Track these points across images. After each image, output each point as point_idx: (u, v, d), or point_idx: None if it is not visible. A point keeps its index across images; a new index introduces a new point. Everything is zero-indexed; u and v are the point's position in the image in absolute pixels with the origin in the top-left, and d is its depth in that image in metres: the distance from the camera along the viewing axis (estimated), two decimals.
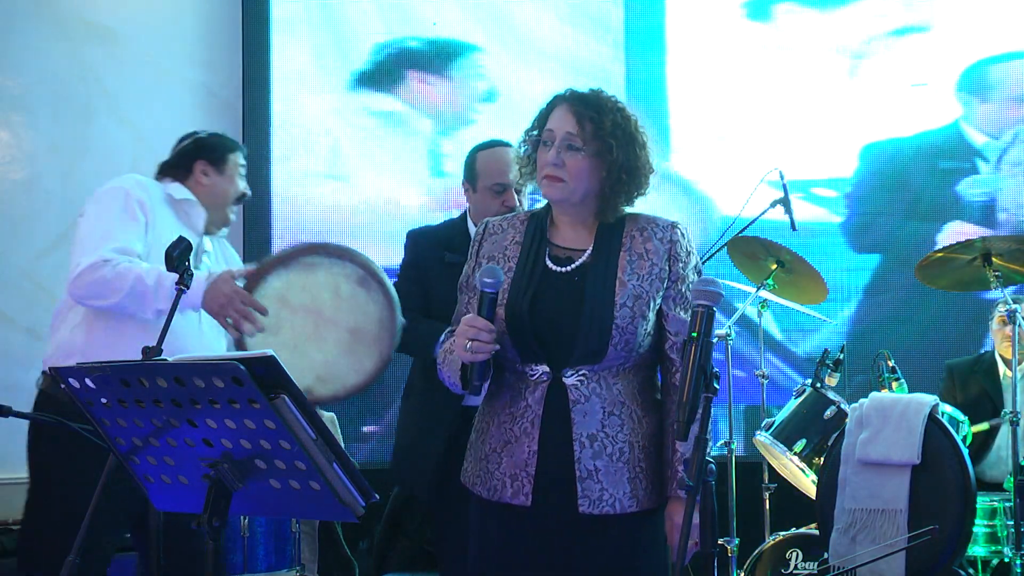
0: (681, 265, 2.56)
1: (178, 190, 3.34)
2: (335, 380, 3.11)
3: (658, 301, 2.54)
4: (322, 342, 3.11)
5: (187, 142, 3.44)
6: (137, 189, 3.24)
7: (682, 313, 2.54)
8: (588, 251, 2.57)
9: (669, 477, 2.53)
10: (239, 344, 3.08)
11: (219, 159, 3.39)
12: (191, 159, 3.38)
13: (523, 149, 2.62)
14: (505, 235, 2.65)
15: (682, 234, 2.59)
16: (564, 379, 2.51)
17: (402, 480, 3.55)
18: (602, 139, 2.52)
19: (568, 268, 2.56)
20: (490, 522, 2.59)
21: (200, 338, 3.23)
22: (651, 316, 2.53)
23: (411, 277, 3.55)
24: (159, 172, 3.42)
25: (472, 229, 3.33)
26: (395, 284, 3.27)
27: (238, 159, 3.43)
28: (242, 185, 3.43)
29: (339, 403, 3.25)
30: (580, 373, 2.51)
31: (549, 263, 2.57)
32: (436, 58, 5.75)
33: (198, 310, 3.11)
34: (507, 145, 3.46)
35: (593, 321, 2.49)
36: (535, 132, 2.59)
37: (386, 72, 5.76)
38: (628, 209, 2.62)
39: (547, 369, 2.52)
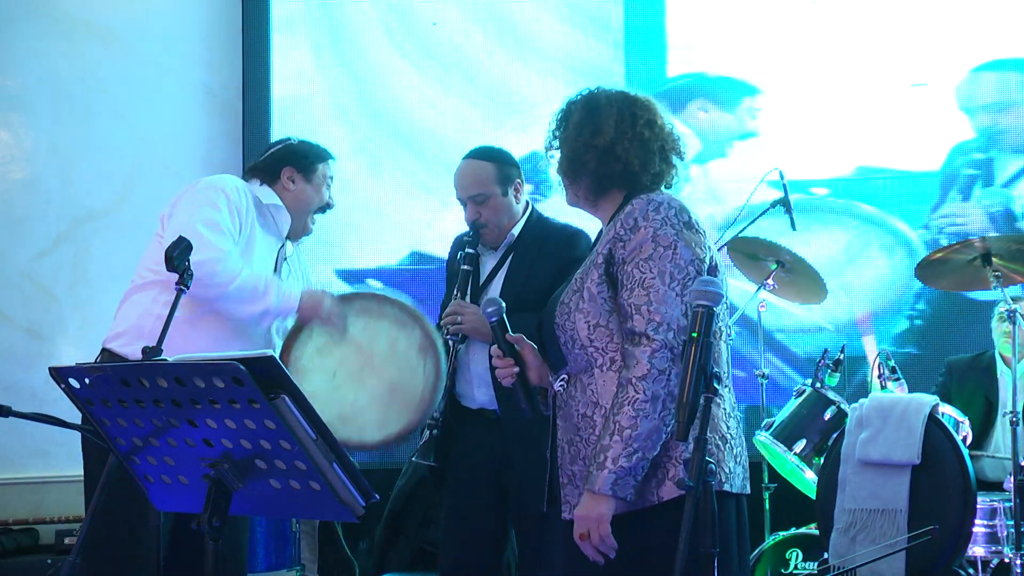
0: (622, 245, 2.38)
1: (266, 194, 3.35)
2: (354, 426, 3.12)
3: (596, 289, 2.40)
4: (360, 385, 3.14)
5: (279, 147, 3.45)
6: (235, 193, 3.24)
7: (626, 296, 2.36)
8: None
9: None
10: (290, 339, 3.16)
11: (308, 167, 3.39)
12: (280, 164, 3.39)
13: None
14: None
15: (632, 208, 2.39)
16: (555, 386, 2.52)
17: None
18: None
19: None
20: (541, 526, 2.68)
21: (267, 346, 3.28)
22: (591, 307, 2.40)
23: (446, 279, 3.60)
24: (247, 172, 3.44)
25: None
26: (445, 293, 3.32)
27: (327, 169, 3.43)
28: (327, 195, 3.43)
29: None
30: (561, 379, 2.50)
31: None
32: None
33: (289, 315, 3.19)
34: (469, 157, 3.45)
35: (545, 325, 2.50)
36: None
37: None
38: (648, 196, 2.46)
39: (557, 378, 2.53)
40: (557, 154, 2.55)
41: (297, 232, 3.42)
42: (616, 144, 2.47)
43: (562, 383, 2.49)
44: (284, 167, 3.38)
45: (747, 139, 5.63)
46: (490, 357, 2.59)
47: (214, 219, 3.13)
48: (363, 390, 3.12)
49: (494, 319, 2.48)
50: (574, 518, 2.38)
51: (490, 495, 3.36)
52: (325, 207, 3.44)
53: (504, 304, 2.52)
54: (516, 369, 2.47)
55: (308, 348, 3.14)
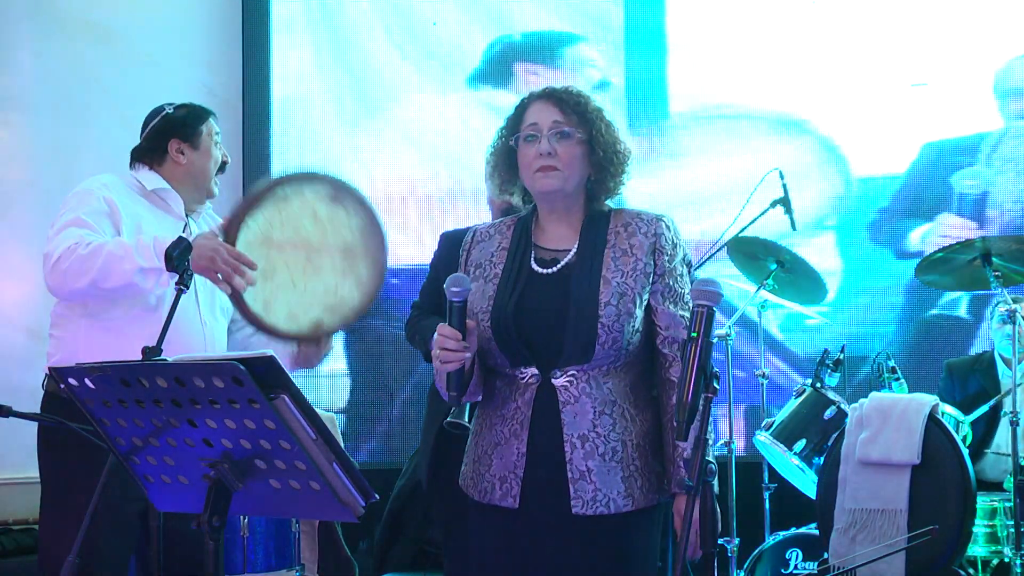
0: (667, 258, 2.54)
1: (149, 179, 3.23)
2: (343, 305, 3.06)
3: (644, 297, 2.52)
4: (319, 271, 3.04)
5: (156, 120, 3.31)
6: (101, 189, 3.14)
7: (671, 307, 2.53)
8: (573, 250, 2.56)
9: (671, 473, 2.50)
10: (236, 300, 2.98)
11: (192, 133, 3.26)
12: (164, 139, 3.26)
13: (492, 158, 2.62)
14: (492, 241, 2.65)
15: (667, 226, 2.57)
16: (553, 380, 2.50)
17: (419, 474, 3.60)
18: (589, 123, 2.53)
19: (553, 269, 2.56)
20: (483, 524, 2.59)
21: (203, 338, 3.21)
22: (638, 313, 2.51)
23: (431, 277, 3.58)
24: (132, 159, 3.32)
25: None
26: (423, 285, 3.26)
27: (212, 127, 3.29)
28: (218, 154, 3.29)
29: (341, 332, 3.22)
30: (569, 374, 2.49)
31: (534, 266, 2.57)
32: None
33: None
34: None
35: (579, 321, 2.47)
36: (514, 134, 2.58)
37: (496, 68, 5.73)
38: (614, 205, 2.62)
39: (536, 372, 2.51)
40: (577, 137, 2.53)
41: (201, 201, 3.29)
42: (625, 155, 2.59)
43: (570, 378, 2.49)
44: (169, 141, 3.25)
45: (748, 139, 5.63)
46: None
47: (79, 220, 3.04)
48: (324, 272, 3.04)
49: (459, 300, 2.42)
50: (686, 521, 2.31)
51: None
52: (223, 166, 3.31)
53: (471, 287, 2.50)
54: (468, 355, 2.44)
55: (253, 287, 3.06)
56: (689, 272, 2.61)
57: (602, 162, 2.54)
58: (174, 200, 3.24)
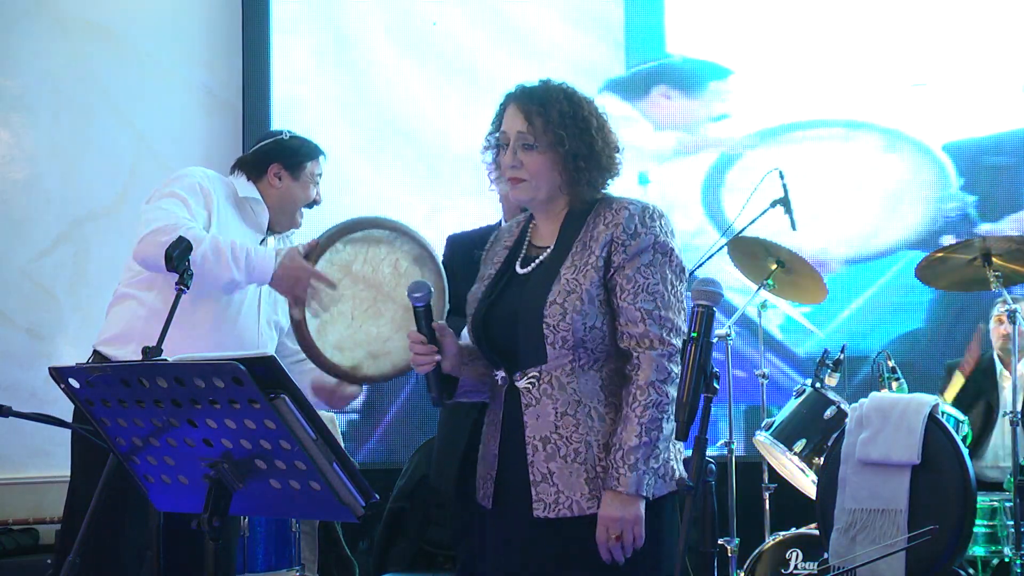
0: (623, 250, 2.43)
1: (244, 187, 3.31)
2: (386, 358, 3.11)
3: (597, 292, 2.44)
4: (379, 317, 3.11)
5: (269, 141, 3.40)
6: (204, 180, 3.22)
7: (629, 300, 2.41)
8: (550, 248, 2.54)
9: (608, 470, 2.40)
10: (298, 324, 3.07)
11: (295, 165, 3.36)
12: (268, 160, 3.34)
13: (489, 154, 2.61)
14: (501, 239, 2.67)
15: (632, 215, 2.45)
16: (516, 383, 2.49)
17: (435, 481, 3.61)
18: (553, 131, 2.48)
19: (530, 268, 2.54)
20: (473, 523, 2.62)
21: (258, 338, 3.25)
22: (588, 309, 2.42)
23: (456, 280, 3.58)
24: (235, 165, 3.41)
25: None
26: None
27: (316, 167, 3.40)
28: (314, 192, 3.40)
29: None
30: (530, 376, 2.47)
31: (517, 266, 2.57)
32: None
33: (263, 285, 3.13)
34: None
35: (526, 322, 2.46)
36: (496, 135, 2.59)
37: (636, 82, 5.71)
38: (607, 193, 2.55)
39: (504, 374, 2.52)
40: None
41: (283, 226, 3.38)
42: (607, 148, 2.53)
43: (532, 380, 2.47)
44: (272, 163, 3.34)
45: (748, 139, 5.63)
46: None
47: (176, 193, 3.12)
48: (383, 320, 3.10)
49: (420, 304, 2.46)
50: (601, 518, 2.38)
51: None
52: (312, 204, 3.41)
53: (432, 289, 2.52)
54: (437, 358, 2.46)
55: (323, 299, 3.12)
56: (671, 263, 2.47)
57: (574, 166, 2.48)
58: (261, 212, 3.32)
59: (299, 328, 3.07)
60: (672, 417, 2.35)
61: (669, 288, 2.44)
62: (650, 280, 2.43)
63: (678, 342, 2.41)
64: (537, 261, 2.54)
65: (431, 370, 2.48)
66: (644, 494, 2.36)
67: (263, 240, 3.32)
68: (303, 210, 3.42)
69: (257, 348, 3.21)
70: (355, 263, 3.10)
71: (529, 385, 2.47)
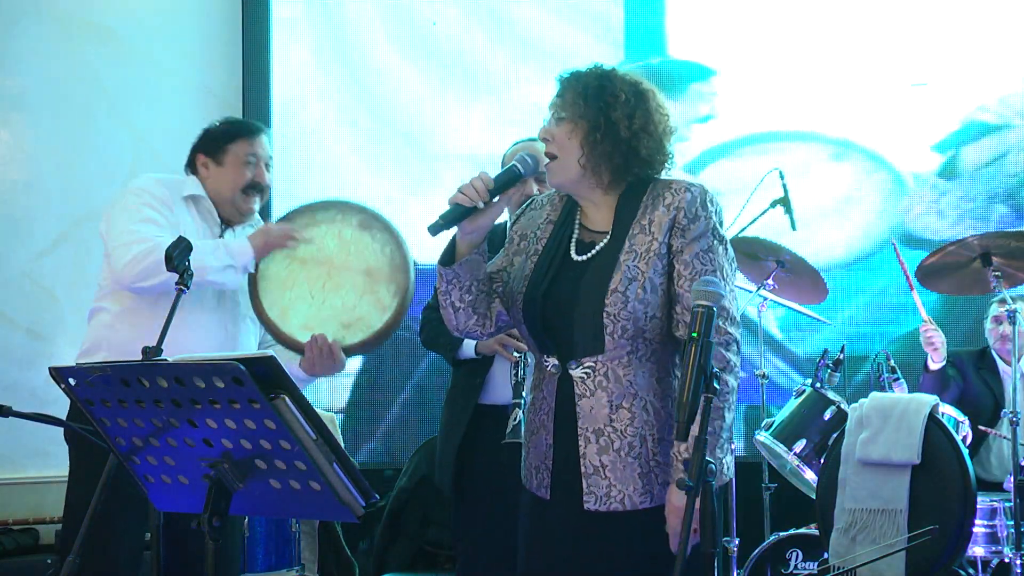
0: (682, 234, 2.39)
1: (191, 184, 3.28)
2: (360, 324, 3.12)
3: (659, 280, 2.40)
4: (339, 289, 3.12)
5: (201, 131, 3.36)
6: (157, 188, 3.20)
7: (688, 286, 2.37)
8: (608, 235, 2.48)
9: (673, 463, 2.38)
10: (255, 304, 3.11)
11: (216, 150, 3.27)
12: (195, 152, 3.31)
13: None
14: (542, 210, 2.61)
15: (694, 197, 2.41)
16: (570, 372, 2.45)
17: (437, 479, 3.62)
18: (574, 101, 2.46)
19: (586, 256, 2.48)
20: (524, 511, 2.56)
21: (229, 342, 3.23)
22: (650, 298, 2.39)
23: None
24: (185, 166, 3.38)
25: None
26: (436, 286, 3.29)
27: (246, 148, 3.26)
28: (249, 174, 3.26)
29: (369, 353, 3.29)
30: (586, 365, 2.42)
31: (572, 251, 2.51)
32: None
33: (250, 270, 3.13)
34: (532, 140, 3.45)
35: (586, 311, 2.41)
36: None
37: None
38: (665, 176, 2.50)
39: (556, 362, 2.47)
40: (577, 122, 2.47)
41: (232, 215, 3.29)
42: (657, 131, 2.49)
43: (587, 370, 2.43)
44: (197, 154, 3.30)
45: (748, 138, 5.63)
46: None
47: (146, 215, 3.12)
48: (344, 290, 3.12)
49: (521, 169, 2.49)
50: (675, 510, 2.32)
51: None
52: (252, 187, 3.27)
53: (533, 173, 2.58)
54: (481, 204, 2.45)
55: (273, 292, 3.13)
56: (726, 250, 2.44)
57: (592, 139, 2.44)
58: (208, 208, 3.28)
59: (258, 308, 3.11)
60: (735, 407, 2.41)
61: (725, 276, 2.42)
62: (708, 267, 2.40)
63: (735, 331, 2.43)
64: (596, 249, 2.48)
65: (462, 208, 2.45)
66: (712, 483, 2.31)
67: (221, 235, 3.27)
68: (253, 197, 3.28)
69: (237, 344, 3.20)
70: (298, 250, 3.12)
71: (584, 375, 2.43)
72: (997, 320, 4.75)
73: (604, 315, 2.39)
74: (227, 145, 3.27)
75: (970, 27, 5.55)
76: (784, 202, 4.61)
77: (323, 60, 5.76)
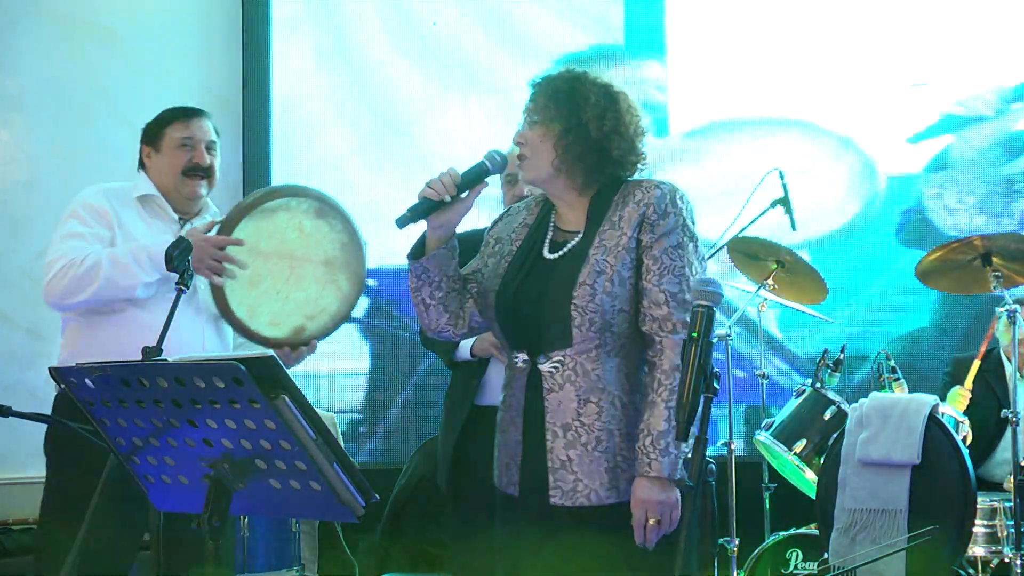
0: (651, 230, 2.43)
1: (142, 184, 3.28)
2: (324, 314, 3.21)
3: (628, 274, 2.43)
4: (301, 281, 3.18)
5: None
6: (95, 198, 3.20)
7: (654, 281, 2.41)
8: (580, 234, 2.52)
9: (639, 456, 2.39)
10: (221, 304, 3.11)
11: (154, 136, 3.30)
12: (140, 146, 3.34)
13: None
14: (518, 216, 2.65)
15: (664, 193, 2.45)
16: (539, 366, 2.47)
17: (438, 479, 3.64)
18: (546, 104, 2.51)
19: (558, 254, 2.52)
20: (497, 512, 2.58)
21: (202, 342, 3.22)
22: (617, 291, 2.41)
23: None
24: (138, 165, 3.38)
25: None
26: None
27: (181, 131, 3.26)
28: (187, 156, 3.24)
29: (329, 336, 3.31)
30: (555, 360, 2.44)
31: (545, 250, 2.54)
32: None
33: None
34: None
35: (554, 303, 2.43)
36: None
37: None
38: (639, 177, 2.55)
39: (526, 357, 2.49)
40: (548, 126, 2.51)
41: (182, 204, 3.28)
42: (629, 132, 2.52)
43: (556, 365, 2.45)
44: (141, 147, 3.32)
45: (748, 138, 5.63)
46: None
47: (70, 230, 3.12)
48: (306, 282, 3.18)
49: (486, 166, 2.54)
50: (639, 502, 2.36)
51: None
52: (192, 169, 3.25)
53: (502, 172, 2.61)
54: (447, 199, 2.52)
55: (239, 291, 3.14)
56: (695, 248, 2.47)
57: (565, 141, 2.47)
58: (161, 204, 3.27)
59: (224, 309, 3.13)
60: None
61: (693, 272, 2.44)
62: (676, 262, 2.43)
63: None
64: (570, 246, 2.51)
65: (429, 202, 2.51)
66: (677, 478, 2.35)
67: (181, 228, 3.25)
68: (196, 180, 3.26)
69: (203, 347, 3.19)
70: (260, 241, 3.13)
71: (552, 370, 2.45)
72: (1011, 323, 4.74)
73: (572, 307, 2.42)
74: (163, 130, 3.29)
75: (969, 27, 5.55)
76: (784, 202, 4.61)
77: (323, 60, 5.76)
